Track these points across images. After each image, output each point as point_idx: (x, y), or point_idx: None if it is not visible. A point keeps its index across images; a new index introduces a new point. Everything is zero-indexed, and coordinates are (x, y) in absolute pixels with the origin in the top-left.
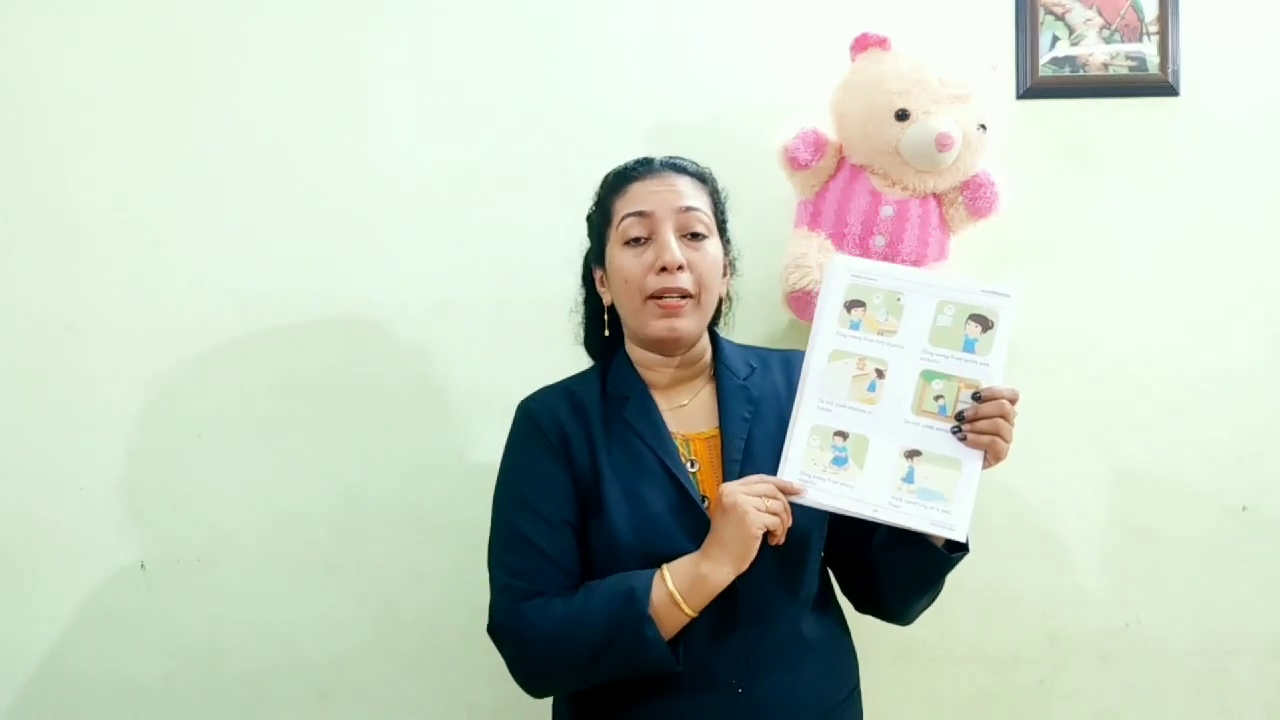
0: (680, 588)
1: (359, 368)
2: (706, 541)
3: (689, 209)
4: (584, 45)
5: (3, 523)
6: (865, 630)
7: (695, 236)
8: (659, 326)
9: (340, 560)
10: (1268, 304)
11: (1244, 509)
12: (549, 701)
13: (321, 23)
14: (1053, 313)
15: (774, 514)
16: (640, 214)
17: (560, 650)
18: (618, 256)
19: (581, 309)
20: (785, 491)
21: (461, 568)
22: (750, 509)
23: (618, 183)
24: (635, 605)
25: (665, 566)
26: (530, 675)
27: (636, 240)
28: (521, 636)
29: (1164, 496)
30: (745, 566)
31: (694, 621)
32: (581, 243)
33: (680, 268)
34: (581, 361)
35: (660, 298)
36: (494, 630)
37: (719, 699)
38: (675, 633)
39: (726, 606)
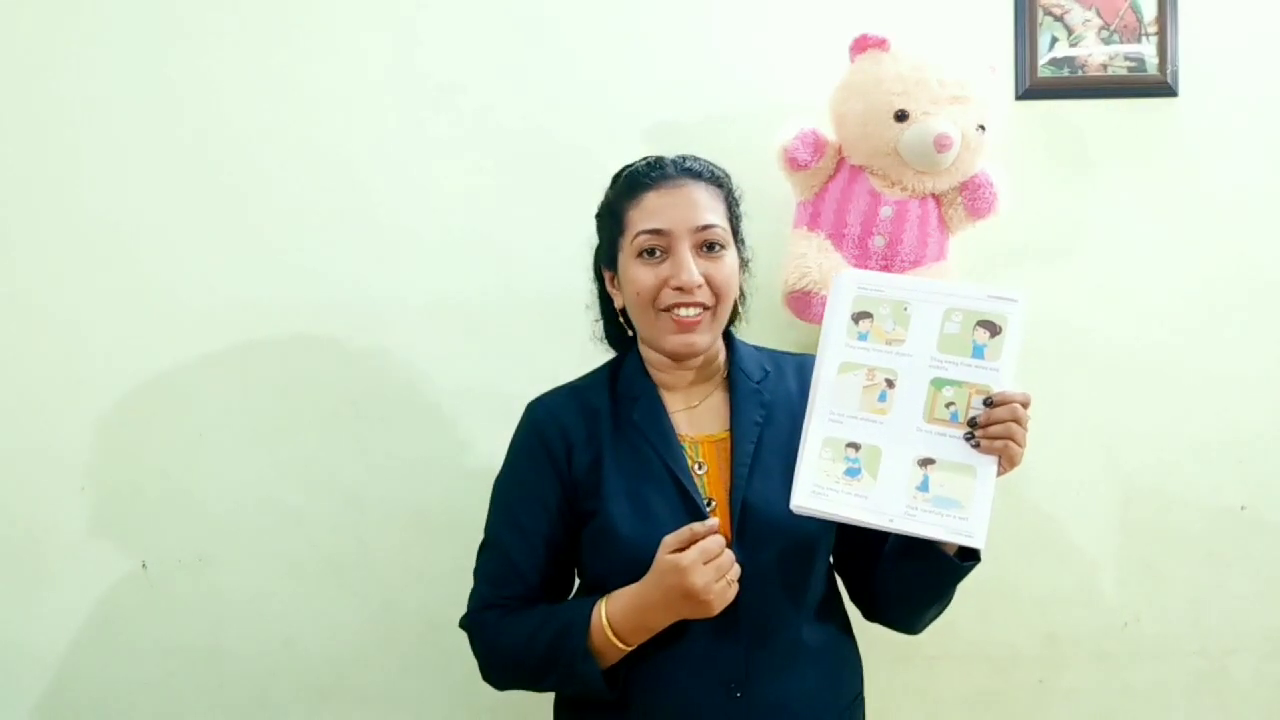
0: (617, 629)
1: (359, 368)
2: (653, 595)
3: (707, 227)
4: (583, 46)
5: (3, 523)
6: (864, 629)
7: (712, 248)
8: (675, 342)
9: (340, 560)
10: (1266, 304)
11: (1243, 508)
12: (550, 702)
13: (320, 24)
14: (1051, 313)
15: (735, 576)
16: (656, 232)
17: (508, 667)
18: (632, 269)
19: (597, 305)
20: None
21: (461, 568)
22: (714, 598)
23: (631, 188)
24: (572, 640)
25: (606, 601)
26: (487, 677)
27: (651, 252)
28: (480, 645)
29: (1163, 496)
30: None
31: (695, 624)
32: (581, 242)
33: (699, 286)
34: (583, 361)
35: (675, 309)
36: (462, 625)
37: (716, 703)
38: (616, 659)
39: (728, 611)
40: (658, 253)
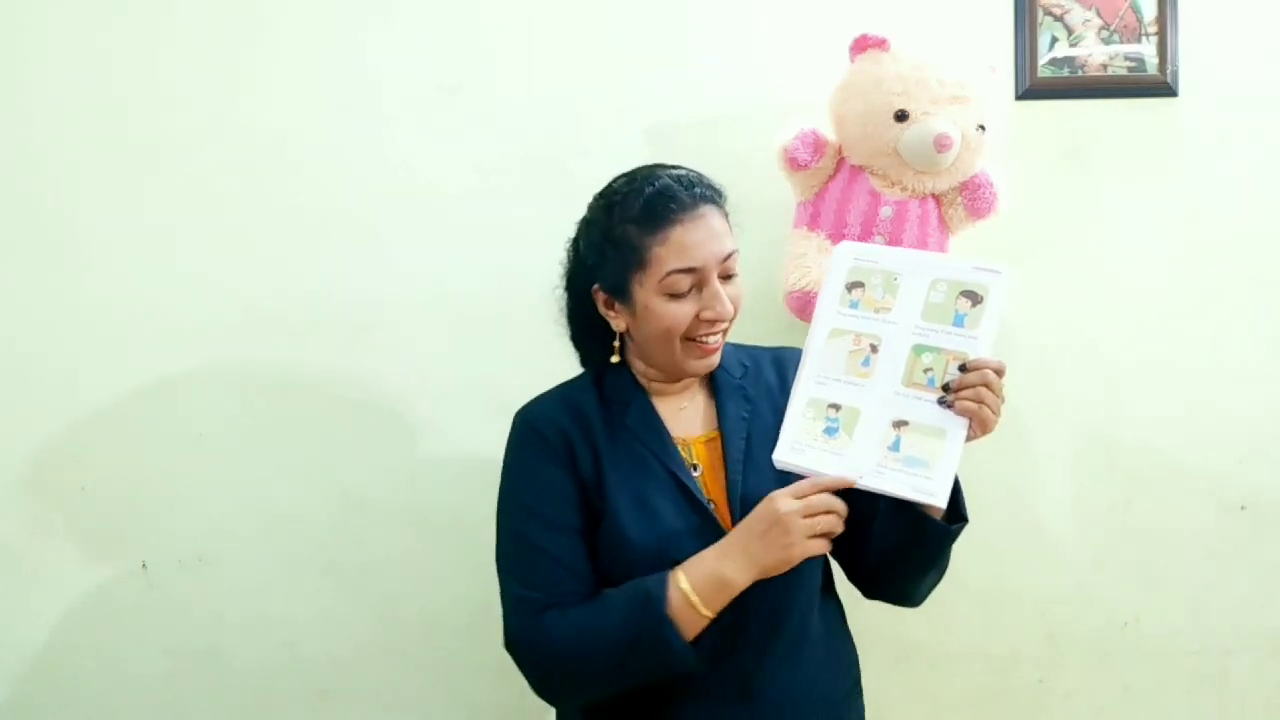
0: (699, 590)
1: (358, 368)
2: (731, 543)
3: (730, 255)
4: (584, 45)
5: (3, 523)
6: (864, 629)
7: (730, 272)
8: (698, 365)
9: (340, 560)
10: (1266, 303)
11: (1242, 508)
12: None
13: (323, 23)
14: (1051, 313)
15: (826, 529)
16: (690, 270)
17: (584, 660)
18: (659, 304)
19: (566, 319)
20: (836, 488)
21: (461, 568)
22: (799, 537)
23: (650, 220)
24: (653, 609)
25: (680, 568)
26: (554, 688)
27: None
28: (543, 650)
29: (1162, 496)
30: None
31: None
32: None
33: (731, 316)
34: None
35: (703, 338)
36: (512, 645)
37: (728, 693)
38: (696, 633)
39: (736, 602)
40: (688, 291)
